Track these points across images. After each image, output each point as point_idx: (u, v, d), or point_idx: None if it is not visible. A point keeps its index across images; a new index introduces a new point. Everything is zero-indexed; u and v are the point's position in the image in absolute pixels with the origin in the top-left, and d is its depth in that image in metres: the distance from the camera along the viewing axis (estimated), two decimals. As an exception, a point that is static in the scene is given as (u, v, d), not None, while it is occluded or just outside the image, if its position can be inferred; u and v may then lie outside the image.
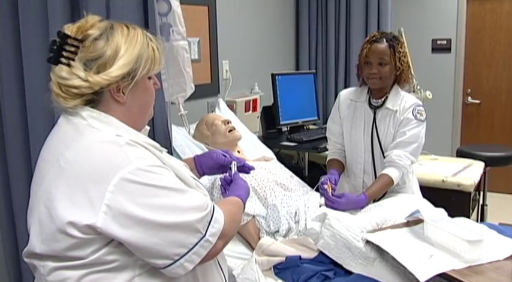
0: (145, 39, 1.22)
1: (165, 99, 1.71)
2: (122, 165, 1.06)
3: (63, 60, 1.14)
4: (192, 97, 2.87)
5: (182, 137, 2.26)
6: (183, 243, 1.10)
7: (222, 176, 1.60)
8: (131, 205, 1.04)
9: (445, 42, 4.72)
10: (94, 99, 1.17)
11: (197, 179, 1.33)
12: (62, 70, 1.14)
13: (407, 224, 1.87)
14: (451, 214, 2.11)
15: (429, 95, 3.59)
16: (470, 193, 2.97)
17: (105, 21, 1.22)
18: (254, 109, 3.34)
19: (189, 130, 1.75)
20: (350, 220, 1.83)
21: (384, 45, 2.21)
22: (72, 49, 1.15)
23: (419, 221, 1.83)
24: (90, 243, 1.06)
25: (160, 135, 1.65)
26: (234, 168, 1.56)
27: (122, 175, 1.05)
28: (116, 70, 1.14)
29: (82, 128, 1.15)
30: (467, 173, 3.12)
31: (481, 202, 3.56)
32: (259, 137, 3.22)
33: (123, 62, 1.15)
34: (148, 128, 1.39)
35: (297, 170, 3.52)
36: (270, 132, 3.39)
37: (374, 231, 1.81)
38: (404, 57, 2.25)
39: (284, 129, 3.44)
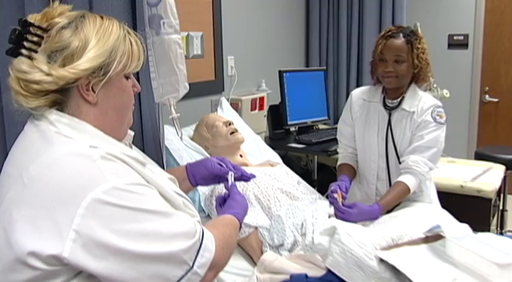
0: (122, 31, 1.05)
1: (155, 100, 1.53)
2: (95, 184, 0.91)
3: (24, 51, 0.99)
4: (194, 95, 2.73)
5: (180, 140, 2.09)
6: (166, 277, 0.94)
7: (220, 186, 1.43)
8: (105, 232, 0.89)
9: (462, 37, 4.54)
10: (61, 100, 1.01)
11: (185, 196, 1.15)
12: (22, 63, 0.99)
13: (426, 239, 1.68)
14: (470, 222, 1.94)
15: (446, 93, 3.42)
16: (491, 199, 2.78)
17: (79, 11, 1.06)
18: (261, 108, 3.18)
19: (181, 135, 1.57)
20: (362, 235, 1.64)
21: (400, 40, 2.03)
22: (35, 39, 1.00)
23: (440, 237, 1.65)
24: (56, 275, 0.90)
25: (150, 142, 1.48)
26: (230, 180, 1.39)
27: (95, 195, 0.89)
28: (84, 62, 0.99)
29: (50, 136, 0.98)
30: (487, 177, 2.93)
31: (500, 207, 3.37)
32: (265, 138, 3.05)
33: (94, 54, 0.99)
34: (132, 133, 1.22)
35: (305, 173, 3.37)
36: (276, 133, 3.20)
37: (389, 248, 1.62)
38: (423, 53, 2.07)
39: (292, 129, 3.27)
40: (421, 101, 2.10)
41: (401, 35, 2.04)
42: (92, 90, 1.02)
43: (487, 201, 2.77)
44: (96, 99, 1.03)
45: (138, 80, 1.48)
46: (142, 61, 1.11)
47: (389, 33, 2.06)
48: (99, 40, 1.01)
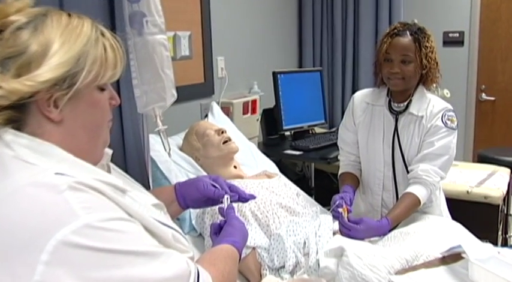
0: (94, 33, 0.87)
1: (138, 110, 1.34)
2: (63, 222, 0.73)
3: None
4: (182, 99, 2.54)
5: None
6: None
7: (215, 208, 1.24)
8: None
9: (458, 35, 4.41)
10: (17, 117, 0.83)
11: (175, 227, 0.97)
12: None
13: (444, 260, 1.52)
14: (477, 229, 1.85)
15: (447, 93, 3.29)
16: (498, 206, 2.65)
17: (43, 7, 0.87)
18: (253, 111, 3.00)
19: (170, 151, 1.38)
20: (374, 257, 1.47)
21: (407, 39, 1.87)
22: None
23: (459, 257, 1.49)
24: None
25: (133, 159, 1.30)
26: (226, 203, 1.21)
27: (63, 237, 0.72)
28: (44, 72, 0.80)
29: (6, 161, 0.80)
30: (493, 182, 2.79)
31: (504, 211, 3.23)
32: (258, 144, 2.88)
33: (57, 62, 0.81)
34: (110, 152, 1.04)
35: (301, 179, 3.20)
36: (271, 138, 3.03)
37: (404, 271, 1.46)
38: (432, 52, 1.92)
39: (287, 134, 3.10)
40: (430, 104, 1.94)
41: (408, 32, 1.88)
42: (55, 106, 0.83)
43: (494, 207, 2.64)
44: (61, 117, 0.84)
45: (118, 88, 1.30)
46: (121, 68, 0.92)
47: (395, 31, 1.90)
48: (63, 44, 0.82)
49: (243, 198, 1.28)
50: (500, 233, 2.90)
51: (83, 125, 0.88)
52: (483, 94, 4.52)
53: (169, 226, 0.93)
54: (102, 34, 0.89)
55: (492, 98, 4.52)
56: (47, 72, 0.80)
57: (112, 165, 1.08)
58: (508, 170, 3.03)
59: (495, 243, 2.66)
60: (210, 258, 1.01)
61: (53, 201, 0.75)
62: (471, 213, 2.53)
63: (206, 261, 0.99)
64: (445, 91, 3.26)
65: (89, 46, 0.85)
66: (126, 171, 1.36)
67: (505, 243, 3.02)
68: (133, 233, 0.80)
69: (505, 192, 2.73)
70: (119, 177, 1.02)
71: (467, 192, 2.64)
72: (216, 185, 1.24)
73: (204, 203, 1.28)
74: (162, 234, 0.88)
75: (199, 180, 1.26)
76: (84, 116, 0.88)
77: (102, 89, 0.90)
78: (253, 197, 1.30)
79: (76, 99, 0.85)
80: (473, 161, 3.95)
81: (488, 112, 4.58)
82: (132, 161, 1.34)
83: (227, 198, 1.21)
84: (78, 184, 0.77)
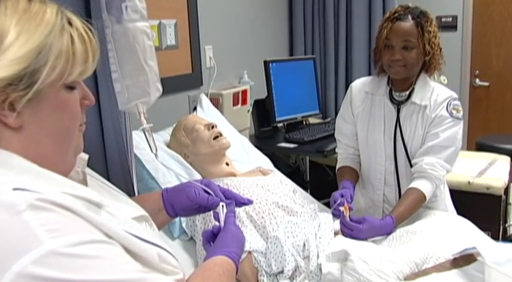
0: (59, 21, 0.73)
1: (119, 107, 1.20)
2: (21, 250, 0.60)
3: None
4: (169, 91, 2.42)
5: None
6: None
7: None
8: None
9: (451, 19, 4.32)
10: None
11: (161, 245, 0.84)
12: None
13: (456, 262, 1.40)
14: (479, 220, 1.77)
15: (444, 80, 3.16)
16: (500, 196, 2.56)
17: None
18: (244, 102, 2.86)
19: (156, 152, 1.24)
20: (381, 262, 1.36)
21: (409, 23, 1.75)
22: None
23: (472, 259, 1.37)
24: None
25: (114, 161, 1.15)
26: (222, 212, 1.07)
27: (21, 269, 0.59)
28: None
29: None
30: (494, 171, 2.70)
31: (505, 201, 3.15)
32: (250, 137, 2.75)
33: (12, 57, 0.67)
34: (86, 157, 0.90)
35: (295, 172, 3.08)
36: (263, 131, 2.89)
37: (414, 276, 1.34)
38: (435, 38, 1.80)
39: (279, 125, 2.96)
40: (433, 93, 1.83)
41: (409, 16, 1.76)
42: (12, 109, 0.70)
43: (496, 198, 2.55)
44: (21, 122, 0.71)
45: (95, 83, 1.15)
46: (94, 63, 0.78)
47: (396, 15, 1.77)
48: (20, 35, 0.69)
49: (240, 203, 1.15)
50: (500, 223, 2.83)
51: (48, 130, 0.74)
52: (477, 80, 4.45)
53: (154, 244, 0.80)
54: (70, 22, 0.75)
55: (486, 84, 4.44)
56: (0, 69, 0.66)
57: (89, 172, 0.95)
58: (508, 159, 2.94)
59: (497, 235, 2.57)
60: (203, 278, 0.89)
61: (10, 225, 0.62)
62: (473, 203, 2.45)
63: (198, 277, 0.87)
64: (442, 78, 3.13)
65: (52, 37, 0.71)
66: (108, 177, 1.23)
67: (504, 233, 2.94)
68: (109, 258, 0.67)
69: (507, 182, 2.64)
70: (95, 186, 0.89)
71: (469, 182, 2.55)
72: (209, 191, 1.11)
73: (196, 211, 1.15)
74: (145, 255, 0.75)
75: (189, 186, 1.12)
76: (50, 120, 0.74)
77: (71, 87, 0.76)
78: (250, 201, 1.17)
79: (38, 100, 0.71)
80: (469, 149, 3.88)
81: (482, 98, 4.51)
82: (114, 165, 1.21)
83: (223, 206, 1.08)
84: (41, 201, 0.64)
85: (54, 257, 0.61)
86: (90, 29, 0.78)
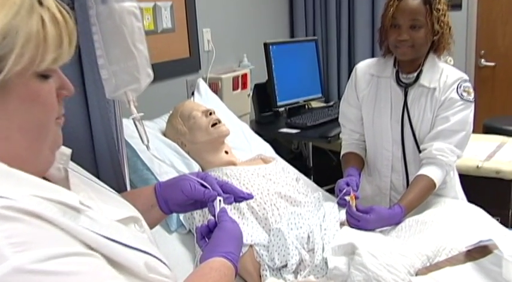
0: (28, 0, 0.63)
1: (107, 95, 1.11)
2: None
3: None
4: (166, 76, 2.34)
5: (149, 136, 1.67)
6: None
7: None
8: None
9: (455, -3, 4.18)
10: None
11: (150, 251, 0.75)
12: None
13: (470, 254, 1.33)
14: (488, 206, 1.72)
15: (450, 60, 3.07)
16: (510, 180, 2.47)
17: None
18: (244, 86, 2.78)
19: (148, 143, 1.15)
20: (391, 256, 1.28)
21: (416, 1, 1.67)
22: None
23: (487, 251, 1.30)
24: None
25: (103, 153, 1.07)
26: (218, 207, 0.99)
27: None
28: None
29: None
30: (503, 154, 2.61)
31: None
32: (251, 122, 2.66)
33: None
34: (68, 151, 0.82)
35: (297, 158, 3.00)
36: (264, 116, 2.81)
37: (427, 270, 1.27)
38: (444, 16, 1.71)
39: (281, 110, 2.88)
40: (443, 75, 1.74)
41: (417, -7, 1.66)
42: None
43: (506, 182, 2.46)
44: None
45: (80, 70, 1.06)
46: (70, 48, 0.68)
47: (402, -8, 1.67)
48: None
49: (240, 198, 1.06)
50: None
51: (18, 125, 0.65)
52: (482, 60, 4.34)
53: (141, 250, 0.71)
54: (40, 2, 0.65)
55: (492, 64, 4.34)
56: None
57: (72, 167, 0.86)
58: (517, 141, 2.86)
59: (506, 221, 2.50)
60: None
61: None
62: (482, 188, 2.36)
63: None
64: (448, 58, 3.04)
65: (18, 19, 0.61)
66: (97, 173, 1.14)
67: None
68: (87, 273, 0.59)
69: (516, 166, 2.56)
70: (80, 184, 0.80)
71: (477, 167, 2.46)
72: (206, 184, 1.02)
73: (192, 206, 1.07)
74: (131, 265, 0.67)
75: (184, 179, 1.03)
76: (20, 114, 0.65)
77: (44, 76, 0.66)
78: (251, 196, 1.08)
79: (5, 92, 0.63)
80: (475, 131, 3.80)
81: (488, 79, 4.41)
82: (104, 159, 1.12)
83: (220, 201, 1.00)
84: (6, 210, 0.56)
85: (21, 275, 0.53)
86: (66, 9, 0.69)
